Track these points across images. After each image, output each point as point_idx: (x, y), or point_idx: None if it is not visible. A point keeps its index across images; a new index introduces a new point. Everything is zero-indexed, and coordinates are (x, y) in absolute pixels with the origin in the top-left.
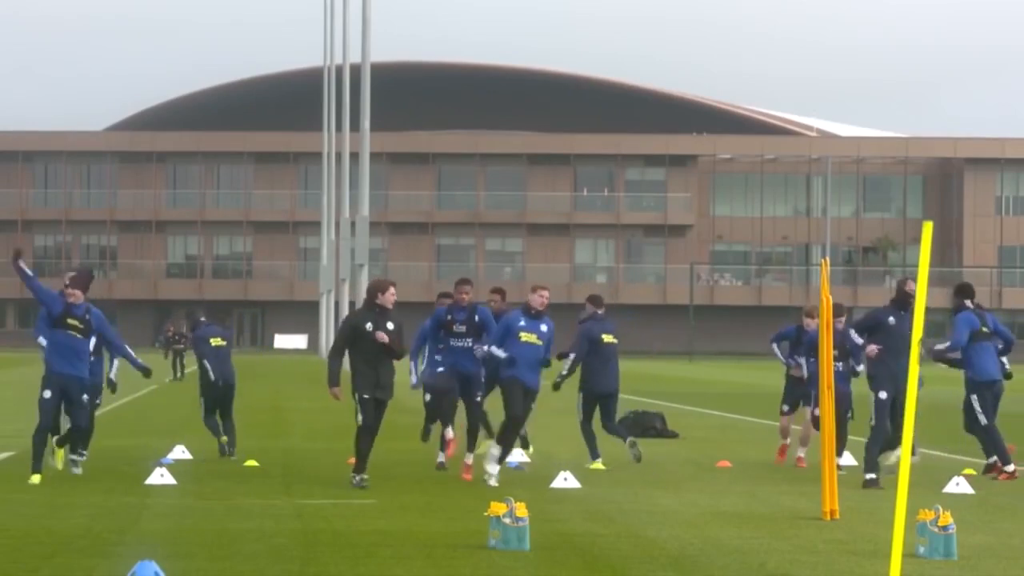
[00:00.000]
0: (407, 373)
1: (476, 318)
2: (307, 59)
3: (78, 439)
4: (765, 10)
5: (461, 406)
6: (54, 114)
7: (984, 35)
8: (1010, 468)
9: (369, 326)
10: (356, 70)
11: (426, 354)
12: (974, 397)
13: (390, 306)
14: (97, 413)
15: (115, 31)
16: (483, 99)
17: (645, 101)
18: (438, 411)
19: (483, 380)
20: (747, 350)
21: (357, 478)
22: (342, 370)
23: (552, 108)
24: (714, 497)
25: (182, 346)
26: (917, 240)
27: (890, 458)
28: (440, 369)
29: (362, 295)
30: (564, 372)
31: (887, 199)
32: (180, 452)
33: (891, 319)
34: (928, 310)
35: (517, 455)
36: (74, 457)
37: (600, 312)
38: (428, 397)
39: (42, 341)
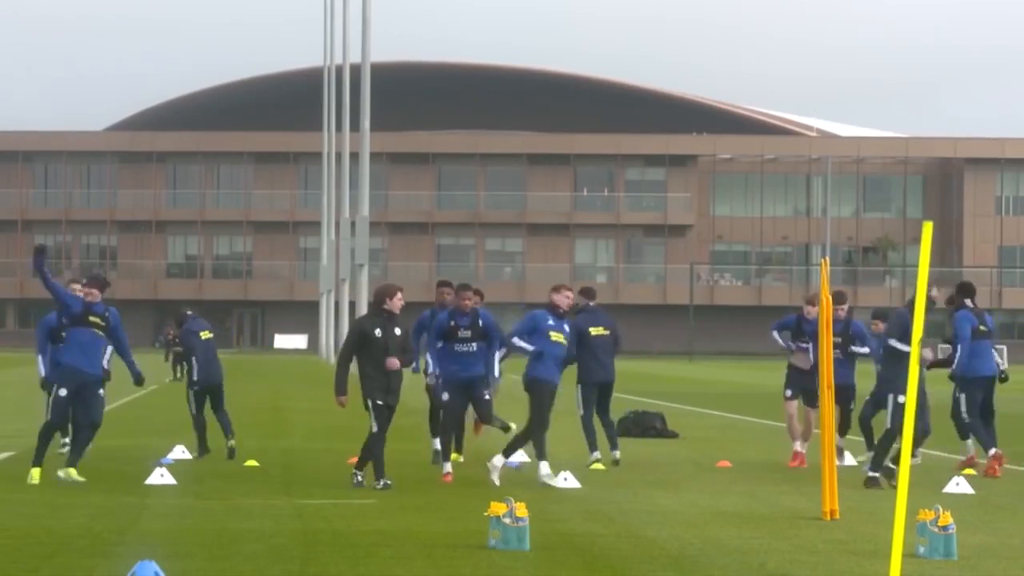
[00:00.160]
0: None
1: (480, 322)
2: (307, 59)
3: (83, 440)
4: (765, 10)
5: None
6: (54, 114)
7: (984, 35)
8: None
9: (378, 332)
10: (356, 70)
11: (428, 350)
12: (962, 396)
13: (398, 311)
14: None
15: (115, 31)
16: (483, 99)
17: (645, 101)
18: (453, 416)
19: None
20: (747, 350)
21: (381, 482)
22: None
23: (552, 108)
24: (714, 497)
25: (182, 348)
26: (917, 240)
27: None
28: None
29: (362, 295)
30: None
31: (887, 199)
32: (180, 452)
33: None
34: (935, 310)
35: (517, 455)
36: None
37: (591, 304)
38: (446, 396)
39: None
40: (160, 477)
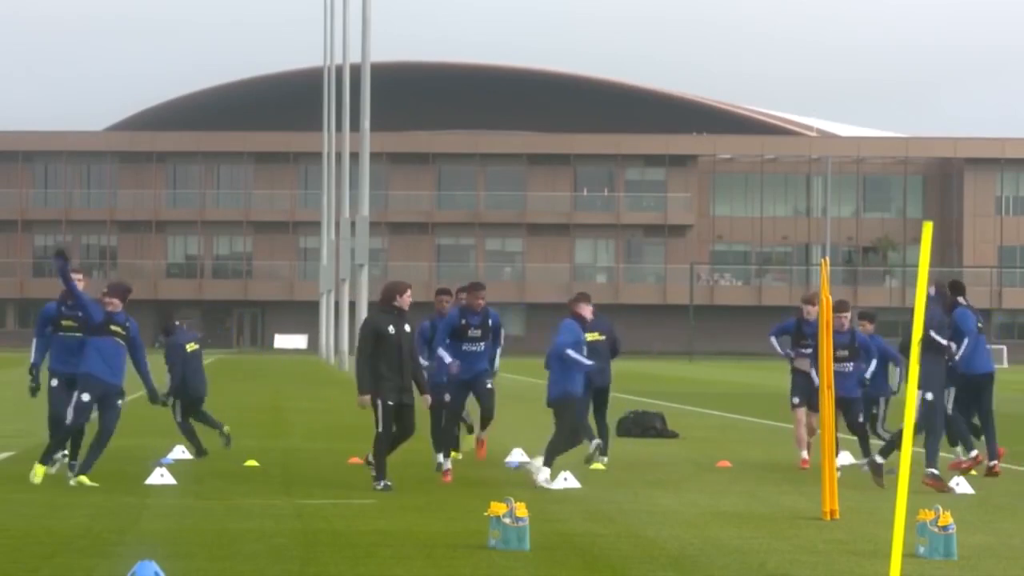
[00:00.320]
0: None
1: (490, 322)
2: (307, 59)
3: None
4: (765, 10)
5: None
6: (54, 114)
7: (984, 35)
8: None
9: (391, 329)
10: (356, 70)
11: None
12: (952, 390)
13: (407, 308)
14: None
15: (115, 31)
16: (483, 99)
17: (645, 101)
18: (454, 415)
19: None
20: (747, 350)
21: (382, 483)
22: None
23: (552, 108)
24: (714, 497)
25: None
26: (917, 240)
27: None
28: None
29: (362, 295)
30: None
31: (887, 199)
32: (180, 452)
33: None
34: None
35: (517, 455)
36: (74, 462)
37: None
38: (447, 396)
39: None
40: (160, 477)
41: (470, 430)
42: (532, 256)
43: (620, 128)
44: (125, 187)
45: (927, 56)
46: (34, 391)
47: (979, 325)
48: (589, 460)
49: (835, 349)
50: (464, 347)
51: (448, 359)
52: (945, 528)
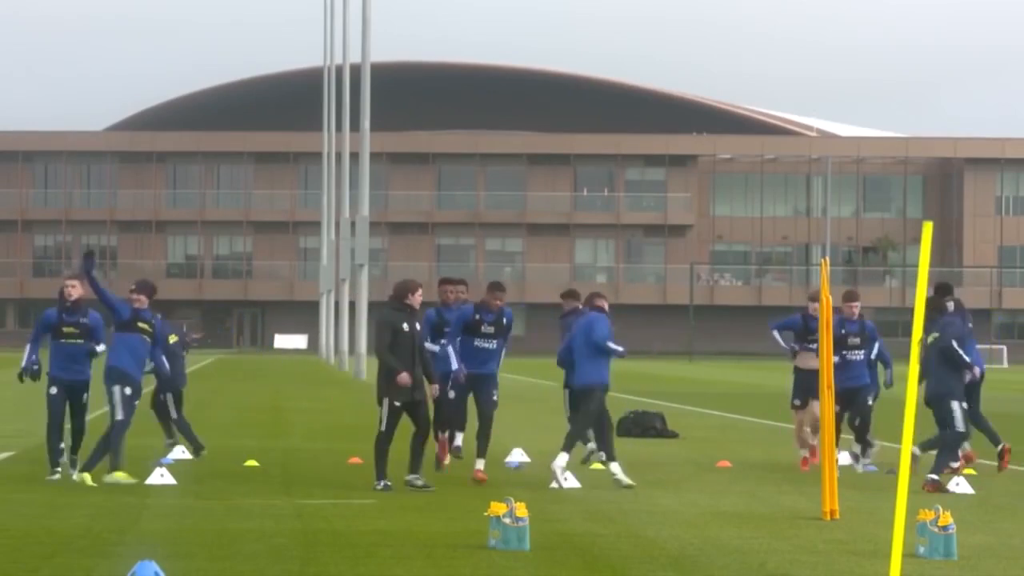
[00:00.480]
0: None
1: (504, 321)
2: (307, 59)
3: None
4: (765, 10)
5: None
6: (54, 114)
7: (984, 35)
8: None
9: (405, 326)
10: (356, 70)
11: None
12: None
13: (418, 307)
14: (96, 414)
15: (115, 31)
16: (483, 99)
17: (645, 101)
18: (456, 414)
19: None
20: (747, 350)
21: (382, 483)
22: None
23: (552, 108)
24: (714, 497)
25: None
26: (917, 240)
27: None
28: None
29: (362, 295)
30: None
31: (887, 199)
32: (180, 452)
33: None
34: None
35: (517, 455)
36: (75, 458)
37: (580, 307)
38: (452, 394)
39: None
40: (160, 477)
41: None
42: (532, 256)
43: (620, 128)
44: (125, 187)
45: (927, 56)
46: (22, 376)
47: (968, 326)
48: (587, 460)
49: (847, 337)
50: (476, 343)
51: (455, 364)
52: (945, 528)
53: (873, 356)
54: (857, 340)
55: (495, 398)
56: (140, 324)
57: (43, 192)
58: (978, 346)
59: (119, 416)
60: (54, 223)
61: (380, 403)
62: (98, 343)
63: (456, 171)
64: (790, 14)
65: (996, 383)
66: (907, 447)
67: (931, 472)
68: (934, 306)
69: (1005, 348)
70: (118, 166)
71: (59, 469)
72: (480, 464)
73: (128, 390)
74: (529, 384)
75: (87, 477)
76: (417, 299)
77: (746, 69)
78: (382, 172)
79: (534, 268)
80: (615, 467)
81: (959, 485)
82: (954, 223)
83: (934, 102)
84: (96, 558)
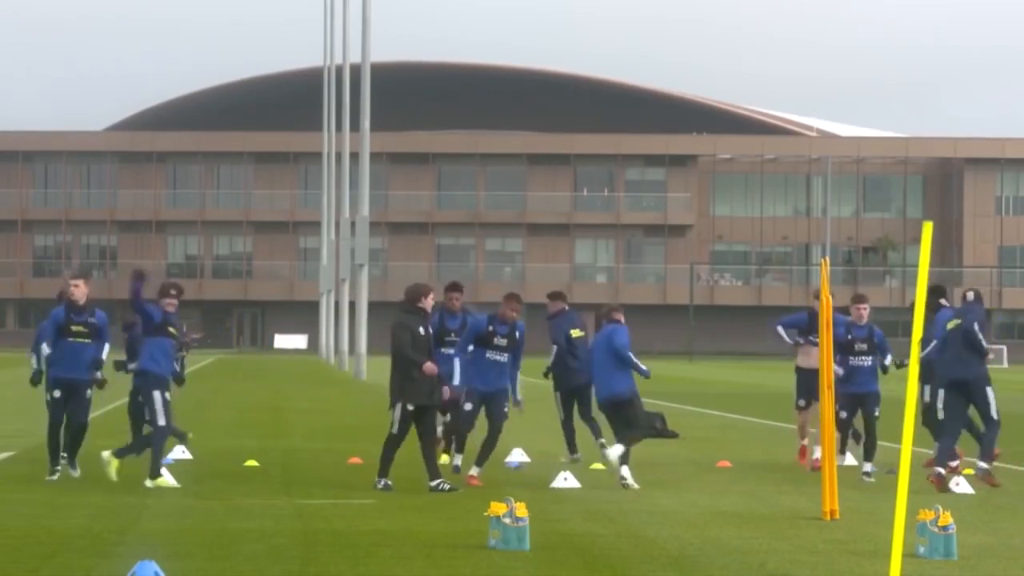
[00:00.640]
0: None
1: (516, 334)
2: (307, 59)
3: (142, 443)
4: (765, 10)
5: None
6: (54, 114)
7: (984, 35)
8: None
9: (421, 330)
10: (356, 70)
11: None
12: (941, 391)
13: (429, 310)
14: (96, 414)
15: (115, 31)
16: (483, 99)
17: (645, 101)
18: (469, 423)
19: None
20: (747, 350)
21: (382, 482)
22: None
23: (552, 108)
24: (714, 497)
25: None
26: (917, 240)
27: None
28: (475, 385)
29: (362, 295)
30: (550, 364)
31: (887, 199)
32: (180, 452)
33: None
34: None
35: (517, 455)
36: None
37: (566, 308)
38: (469, 406)
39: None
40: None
41: (447, 450)
42: (532, 256)
43: (620, 128)
44: (125, 187)
45: (927, 56)
46: (35, 380)
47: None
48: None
49: (854, 343)
50: (488, 355)
51: (458, 380)
52: (945, 528)
53: (888, 363)
54: (864, 346)
55: (506, 409)
56: (171, 328)
57: (43, 192)
58: None
59: (160, 422)
60: (54, 223)
61: (392, 407)
62: (104, 343)
63: (456, 171)
64: (790, 14)
65: (996, 383)
66: (907, 447)
67: (936, 463)
68: (928, 306)
69: (1005, 348)
70: (118, 166)
71: (59, 469)
72: (475, 471)
73: (168, 395)
74: (529, 384)
75: (114, 464)
76: (430, 303)
77: (746, 69)
78: (382, 172)
79: (534, 268)
80: (625, 469)
81: (959, 485)
82: (954, 223)
83: (934, 102)
84: (96, 558)
